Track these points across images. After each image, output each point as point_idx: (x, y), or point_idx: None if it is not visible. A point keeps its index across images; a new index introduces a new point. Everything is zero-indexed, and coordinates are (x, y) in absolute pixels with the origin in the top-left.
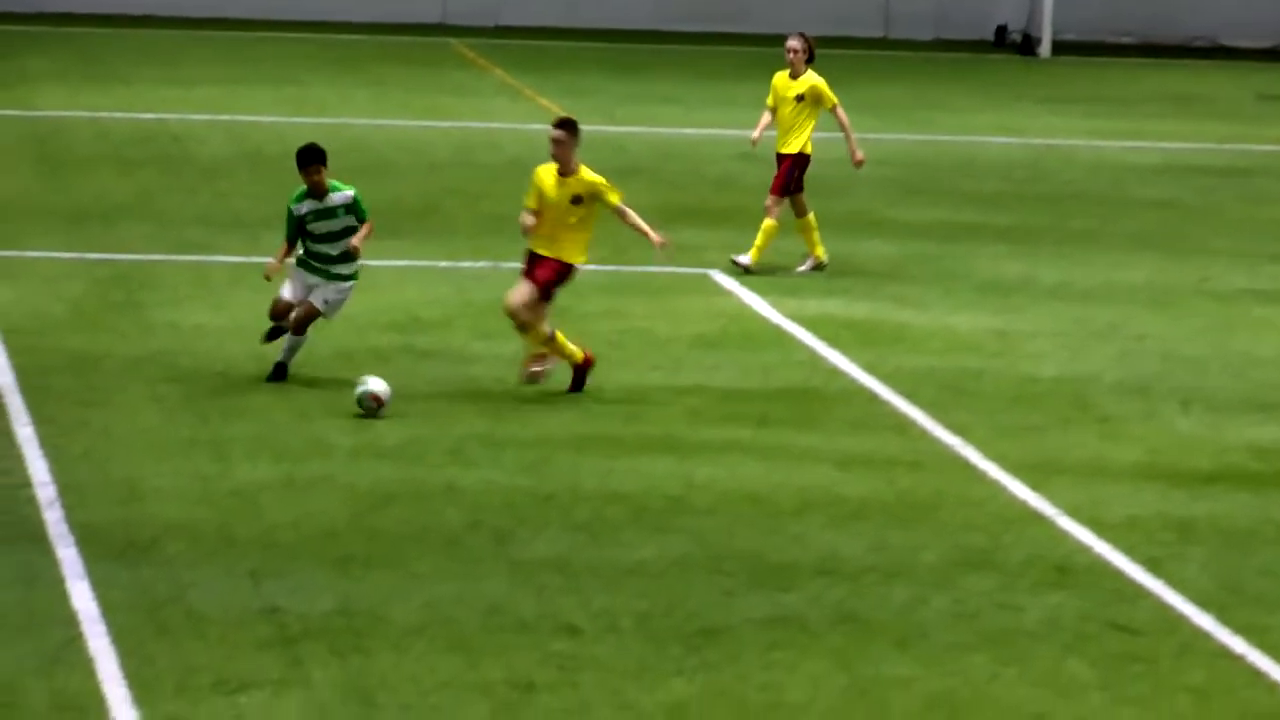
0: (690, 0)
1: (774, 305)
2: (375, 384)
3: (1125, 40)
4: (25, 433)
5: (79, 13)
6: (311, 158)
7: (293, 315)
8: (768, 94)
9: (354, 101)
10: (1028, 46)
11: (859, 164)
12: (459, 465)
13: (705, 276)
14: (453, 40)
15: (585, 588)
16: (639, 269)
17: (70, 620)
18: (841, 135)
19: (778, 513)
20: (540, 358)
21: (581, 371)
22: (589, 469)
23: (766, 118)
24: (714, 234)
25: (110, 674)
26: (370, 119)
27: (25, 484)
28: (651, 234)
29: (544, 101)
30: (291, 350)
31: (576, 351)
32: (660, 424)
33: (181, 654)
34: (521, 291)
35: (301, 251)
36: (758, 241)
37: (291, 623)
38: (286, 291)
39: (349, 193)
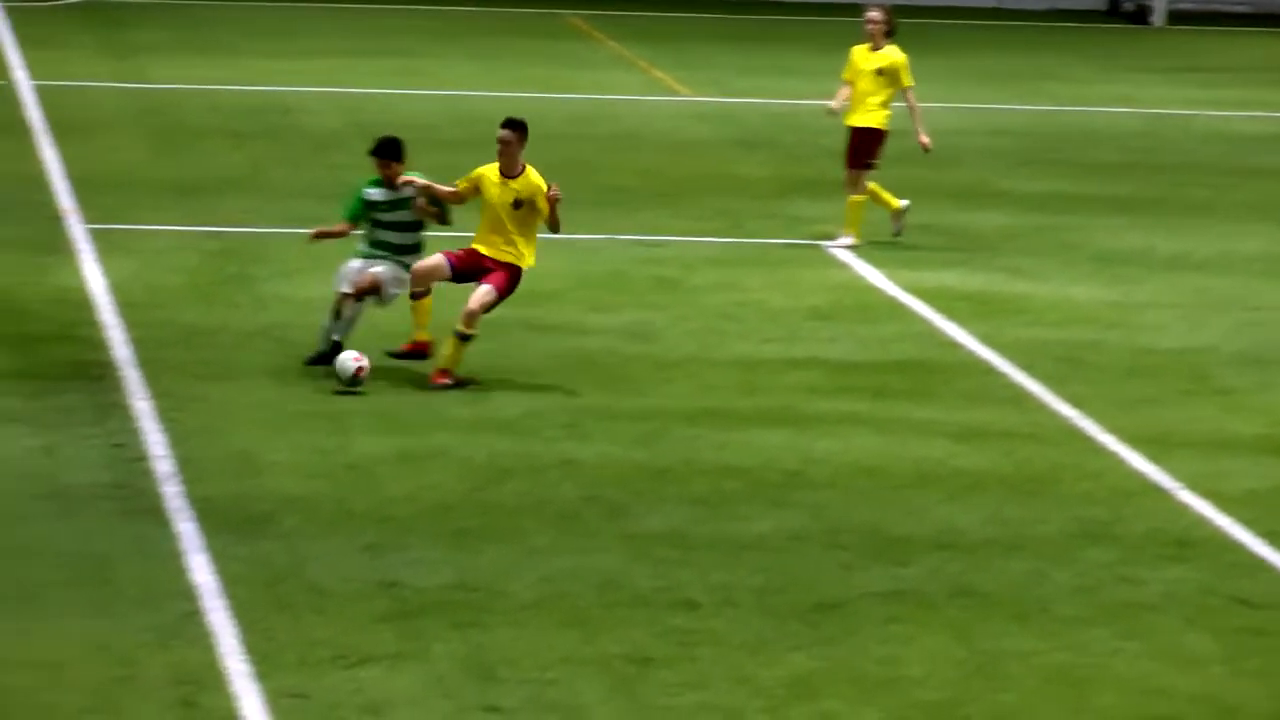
0: None
1: (890, 277)
2: (352, 360)
3: (1240, 9)
4: (142, 406)
5: None
6: (384, 152)
7: (353, 282)
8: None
9: (467, 74)
10: (1141, 16)
11: (926, 149)
12: (575, 439)
13: (820, 249)
14: (566, 12)
15: (702, 562)
16: (753, 241)
17: (189, 594)
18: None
19: (895, 486)
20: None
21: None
22: (705, 442)
23: (845, 91)
24: (830, 206)
25: (229, 648)
26: (483, 91)
27: (143, 458)
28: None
29: (658, 73)
30: (347, 324)
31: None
32: (776, 397)
33: (300, 628)
34: (478, 295)
35: (366, 244)
36: (849, 215)
37: (409, 596)
38: (345, 286)
39: (402, 180)
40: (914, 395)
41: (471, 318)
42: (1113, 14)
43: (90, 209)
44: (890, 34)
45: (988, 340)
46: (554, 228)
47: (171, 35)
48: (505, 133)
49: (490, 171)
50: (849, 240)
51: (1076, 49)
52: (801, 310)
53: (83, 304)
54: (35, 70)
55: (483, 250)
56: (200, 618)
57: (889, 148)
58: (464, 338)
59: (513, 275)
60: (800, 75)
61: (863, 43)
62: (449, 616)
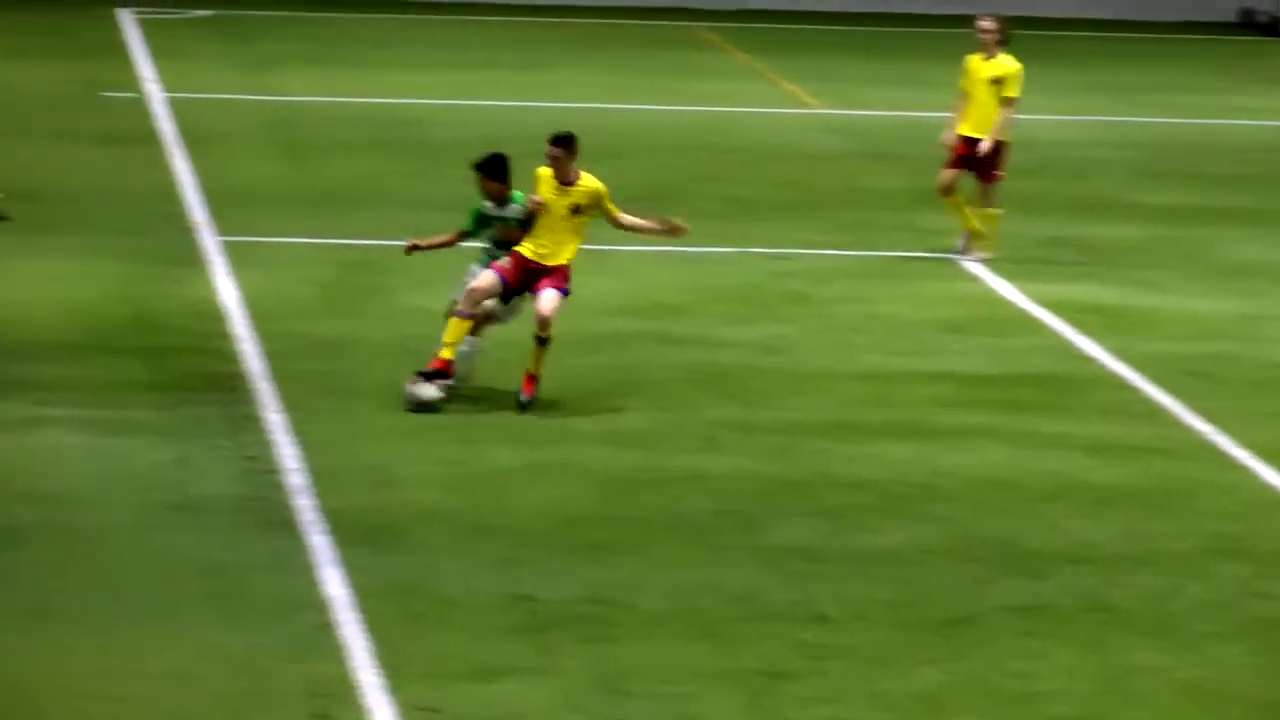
0: None
1: (1020, 289)
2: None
3: None
4: (275, 419)
5: None
6: (485, 170)
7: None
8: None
9: (596, 85)
10: (1274, 28)
11: (979, 153)
12: (707, 452)
13: (951, 261)
14: (695, 24)
15: (834, 575)
16: (884, 254)
17: (321, 607)
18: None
19: (1028, 499)
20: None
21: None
22: (837, 455)
23: (963, 106)
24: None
25: (362, 660)
26: (613, 103)
27: (275, 470)
28: (659, 225)
29: (787, 85)
30: (466, 360)
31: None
32: (908, 410)
33: (432, 641)
34: (551, 300)
35: (485, 255)
36: (986, 230)
37: (541, 609)
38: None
39: (518, 206)
40: (1046, 408)
41: (547, 323)
42: (1245, 26)
43: (222, 221)
44: (1004, 43)
45: (1119, 353)
46: (669, 229)
47: (302, 47)
48: (554, 150)
49: (547, 175)
50: (985, 253)
51: (1207, 61)
52: (932, 323)
53: (215, 316)
54: (167, 82)
55: (534, 257)
56: (332, 630)
57: (1018, 161)
58: (545, 341)
59: (567, 274)
60: (929, 86)
61: (977, 52)
62: (580, 630)
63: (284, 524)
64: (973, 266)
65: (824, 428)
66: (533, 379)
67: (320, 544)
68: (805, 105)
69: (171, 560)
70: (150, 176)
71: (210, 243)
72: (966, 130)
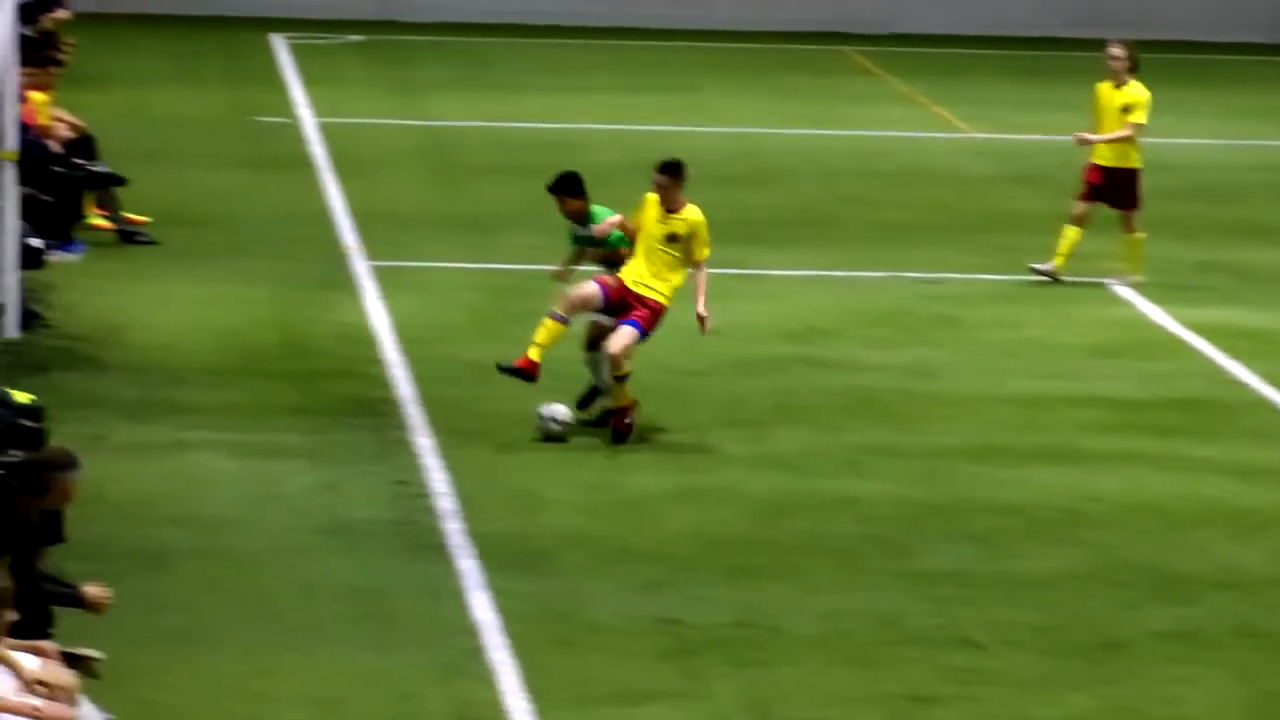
0: (1088, 4)
1: (1171, 314)
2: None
3: None
4: (424, 443)
5: (477, 22)
6: (560, 190)
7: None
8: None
9: (749, 110)
10: None
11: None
12: (855, 476)
13: (1101, 285)
14: (847, 48)
15: (983, 600)
16: (1033, 278)
17: (471, 631)
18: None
19: (1177, 524)
20: (626, 409)
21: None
22: (985, 480)
23: (1127, 131)
24: (1110, 242)
25: (510, 685)
26: (766, 127)
27: (424, 494)
28: (701, 306)
29: (939, 109)
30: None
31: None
32: (1057, 434)
33: (580, 665)
34: (621, 338)
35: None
36: (1129, 254)
37: (689, 634)
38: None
39: (595, 225)
40: (1196, 433)
41: (618, 362)
42: None
43: (373, 245)
44: (1133, 70)
45: (1269, 378)
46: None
47: (454, 72)
48: (661, 178)
49: (652, 203)
50: (1134, 278)
51: None
52: (1082, 347)
53: (365, 340)
54: (318, 107)
55: (630, 283)
56: (481, 654)
57: (1170, 185)
58: (621, 379)
59: (655, 315)
60: (1079, 110)
61: (1107, 80)
62: (728, 654)
63: (433, 548)
64: (1123, 291)
65: (972, 452)
66: (617, 412)
67: (469, 568)
68: (956, 129)
69: (320, 584)
70: (302, 201)
71: (361, 267)
72: (1098, 159)
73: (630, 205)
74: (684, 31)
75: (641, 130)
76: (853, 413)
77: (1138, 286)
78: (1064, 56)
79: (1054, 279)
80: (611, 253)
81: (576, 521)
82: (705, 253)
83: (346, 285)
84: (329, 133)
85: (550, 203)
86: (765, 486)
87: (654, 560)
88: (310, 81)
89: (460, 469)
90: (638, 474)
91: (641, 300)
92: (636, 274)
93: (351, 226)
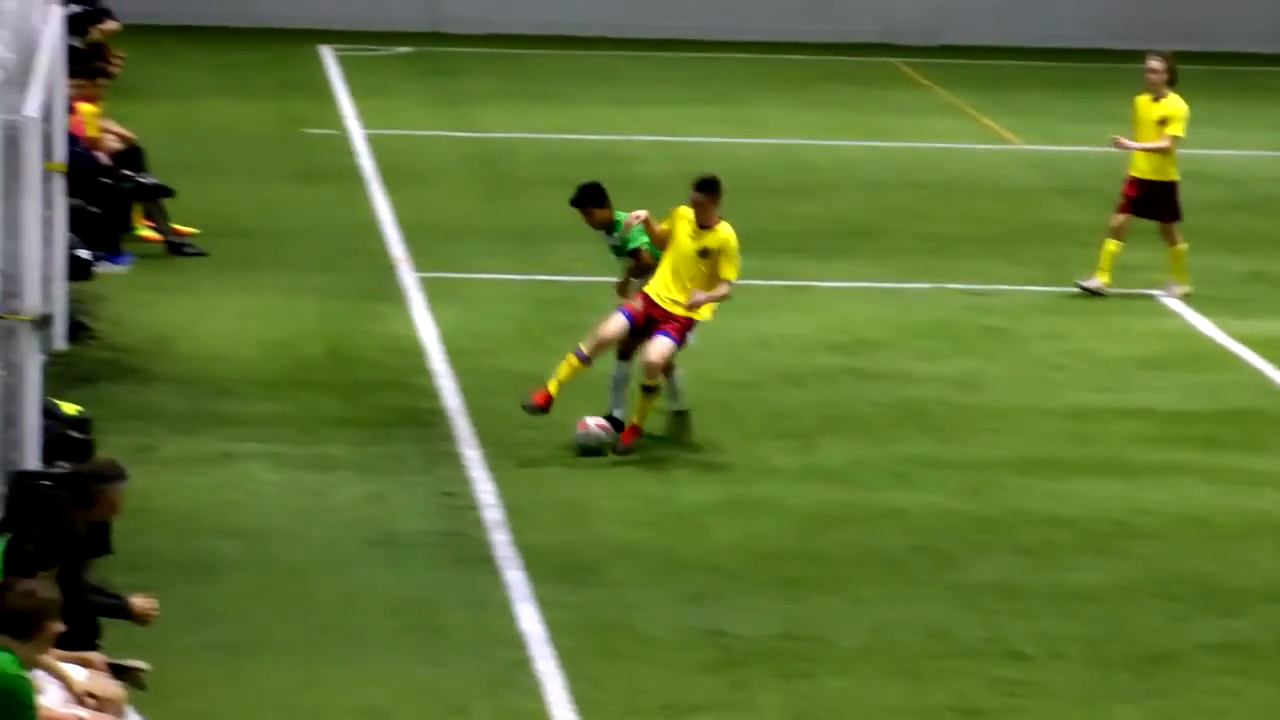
0: (1138, 16)
1: (1220, 326)
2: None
3: None
4: (472, 455)
5: (525, 34)
6: (584, 202)
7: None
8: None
9: (796, 121)
10: None
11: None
12: (902, 488)
13: (1150, 297)
14: (895, 59)
15: (1031, 612)
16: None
17: (518, 642)
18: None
19: (1226, 537)
20: (637, 430)
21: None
22: (1034, 492)
23: (1165, 143)
24: (1158, 254)
25: (557, 696)
26: (813, 139)
27: (472, 506)
28: (699, 298)
29: (987, 121)
30: (619, 385)
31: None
32: (1106, 447)
33: (628, 676)
34: (661, 347)
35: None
36: (1174, 266)
37: (736, 645)
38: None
39: (622, 232)
40: (1245, 445)
41: (654, 371)
42: None
43: (421, 257)
44: (1171, 83)
45: None
46: (691, 307)
47: (503, 83)
48: (698, 195)
49: (688, 214)
50: (1181, 289)
51: None
52: (1131, 359)
53: (413, 351)
54: (366, 119)
55: (658, 298)
56: (528, 666)
57: (1221, 197)
58: (650, 390)
59: (687, 324)
60: (1128, 122)
61: (1146, 93)
62: (776, 666)
63: (480, 559)
64: (1171, 302)
65: (1020, 464)
66: (635, 430)
67: (516, 580)
68: (1004, 141)
69: (367, 596)
70: (349, 213)
71: (408, 278)
72: (1136, 172)
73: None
74: (731, 43)
75: (689, 142)
76: (900, 424)
77: (1186, 298)
78: (1114, 68)
79: (1101, 294)
80: (642, 263)
81: (624, 533)
82: (733, 274)
83: (394, 296)
84: (377, 144)
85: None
86: (812, 498)
87: (701, 571)
88: (358, 93)
89: (507, 480)
90: (685, 485)
91: (669, 315)
92: (663, 288)
93: (399, 238)
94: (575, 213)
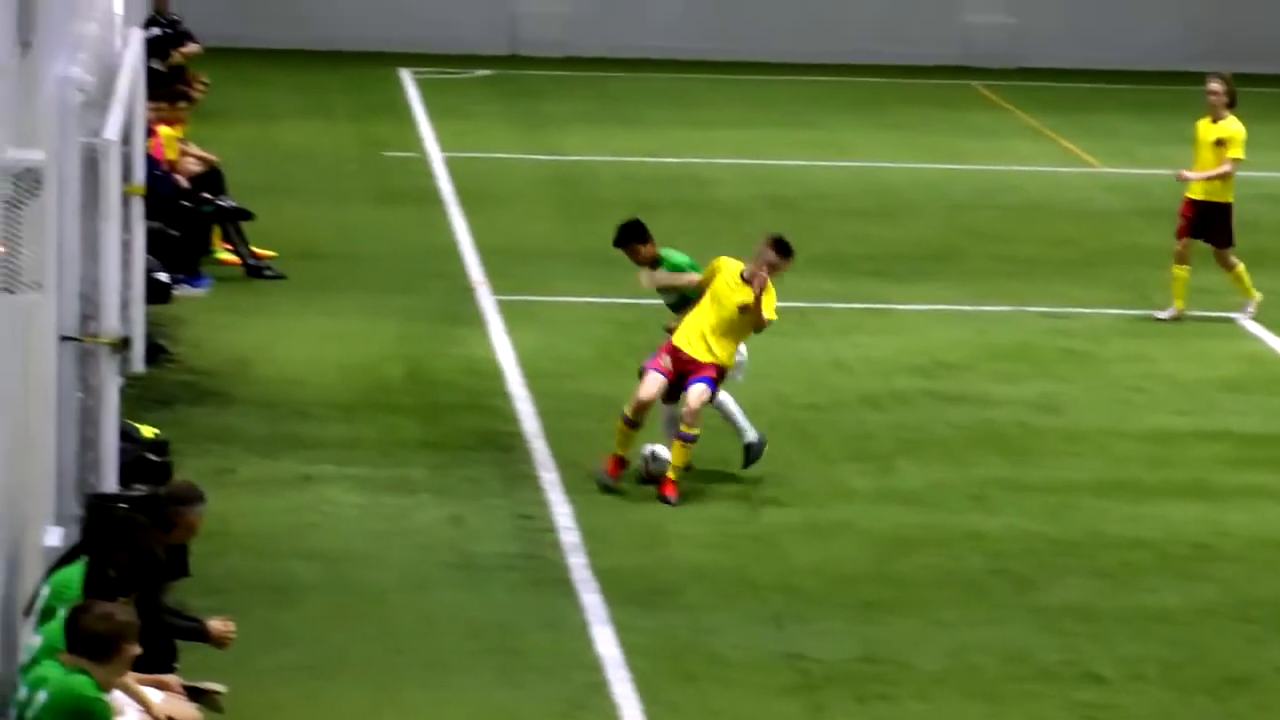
0: (1217, 38)
1: None
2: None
3: None
4: (549, 478)
5: (604, 57)
6: (627, 240)
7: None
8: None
9: (877, 144)
10: None
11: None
12: (981, 510)
13: (1231, 320)
14: (975, 82)
15: (1110, 635)
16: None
17: (594, 665)
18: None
19: None
20: (673, 483)
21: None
22: (1113, 514)
23: (1227, 168)
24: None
25: (634, 719)
26: (892, 161)
27: (550, 529)
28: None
29: (1066, 143)
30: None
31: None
32: (1186, 469)
33: (704, 700)
34: (699, 394)
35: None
36: (1237, 285)
37: (814, 669)
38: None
39: (667, 267)
40: None
41: (695, 417)
42: None
43: (500, 279)
44: (1231, 105)
45: None
46: (759, 328)
47: (582, 106)
48: (780, 259)
49: (731, 268)
50: (1253, 303)
51: None
52: (1212, 382)
53: (492, 374)
54: (445, 141)
55: (687, 349)
56: (605, 689)
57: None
58: (689, 439)
59: (720, 371)
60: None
61: (1205, 116)
62: (854, 689)
63: (557, 582)
64: (1252, 325)
65: (1101, 487)
66: (673, 483)
67: (592, 603)
68: (1084, 163)
69: (445, 619)
70: (428, 235)
71: (487, 301)
72: (1191, 194)
73: (758, 239)
74: (812, 65)
75: (769, 164)
76: (979, 447)
77: (1265, 321)
78: (1192, 91)
79: (1179, 319)
80: (682, 299)
81: (700, 555)
82: (774, 315)
83: (472, 319)
84: (455, 167)
85: (679, 236)
86: (891, 521)
87: (778, 594)
88: (437, 116)
89: (584, 503)
90: (763, 508)
91: (700, 364)
92: (696, 336)
93: (478, 261)
94: (654, 235)
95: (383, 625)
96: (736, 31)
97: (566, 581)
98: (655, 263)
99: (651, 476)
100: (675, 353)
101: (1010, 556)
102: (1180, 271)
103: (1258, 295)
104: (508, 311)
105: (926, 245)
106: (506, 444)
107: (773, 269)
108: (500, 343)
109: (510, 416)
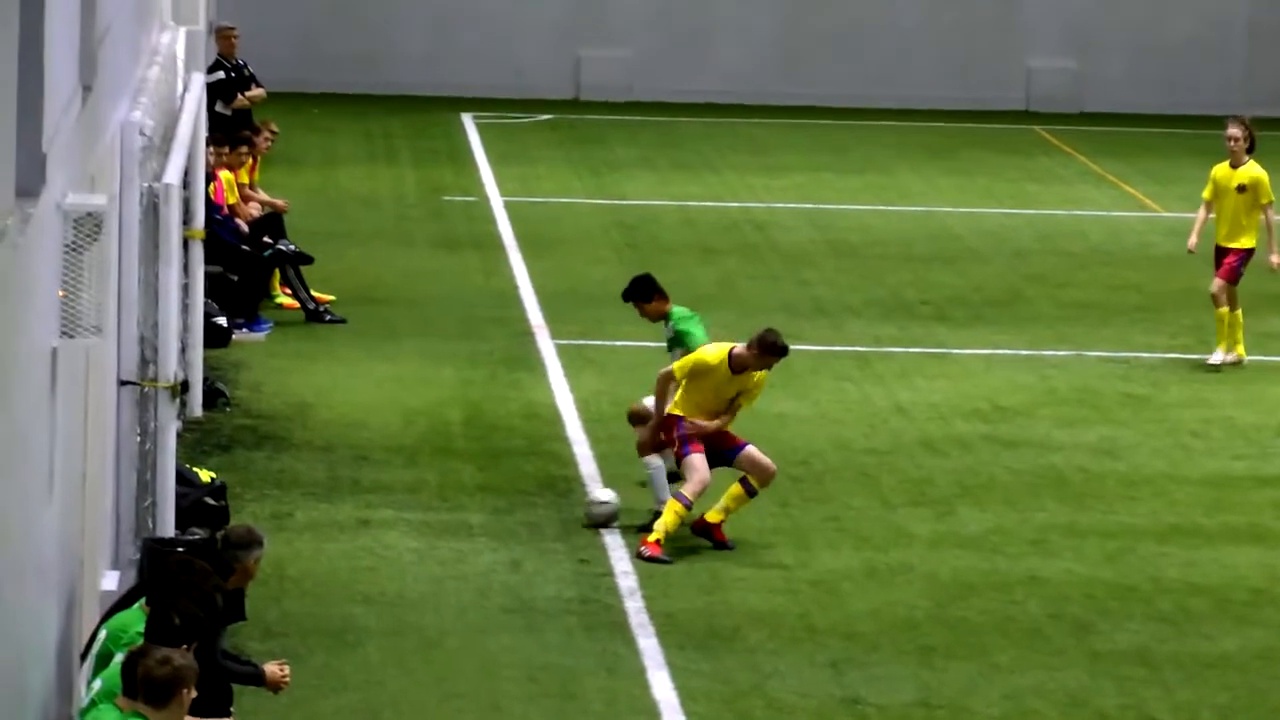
0: (1277, 83)
1: None
2: (606, 495)
3: None
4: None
5: (666, 101)
6: (626, 294)
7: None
8: (1267, 179)
9: (939, 189)
10: None
11: (1275, 268)
12: (1040, 555)
13: None
14: (1037, 127)
15: (1168, 681)
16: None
17: (651, 710)
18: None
19: None
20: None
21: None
22: (1171, 559)
23: (1203, 214)
24: None
25: None
26: (955, 206)
27: (607, 573)
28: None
29: (1128, 188)
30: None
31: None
32: (1245, 514)
33: None
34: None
35: None
36: (1227, 334)
37: (872, 714)
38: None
39: (674, 325)
40: None
41: (771, 478)
42: None
43: (559, 324)
44: (1251, 150)
45: None
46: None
47: (642, 151)
48: (773, 359)
49: (721, 364)
50: (1220, 353)
51: None
52: (1272, 427)
53: (551, 419)
54: (504, 186)
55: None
56: None
57: None
58: (755, 494)
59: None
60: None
61: (1224, 161)
62: None
63: (615, 626)
64: None
65: (1160, 532)
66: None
67: (649, 647)
68: (1146, 208)
69: (503, 663)
70: (488, 280)
71: (547, 346)
72: (1219, 240)
73: (824, 285)
74: (874, 110)
75: (831, 209)
76: (1039, 492)
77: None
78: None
79: (1239, 363)
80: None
81: (758, 600)
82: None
83: (532, 364)
84: (516, 211)
85: (742, 280)
86: (950, 565)
87: (837, 638)
88: (499, 160)
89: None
90: (821, 552)
91: (724, 434)
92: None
93: (537, 305)
94: (716, 279)
95: (440, 670)
96: (798, 76)
97: (624, 625)
98: (665, 317)
99: (596, 522)
100: (699, 428)
101: (1069, 601)
102: (1228, 316)
103: (1244, 354)
104: (567, 356)
105: (988, 290)
106: (564, 489)
107: (767, 367)
108: (559, 387)
109: (569, 461)
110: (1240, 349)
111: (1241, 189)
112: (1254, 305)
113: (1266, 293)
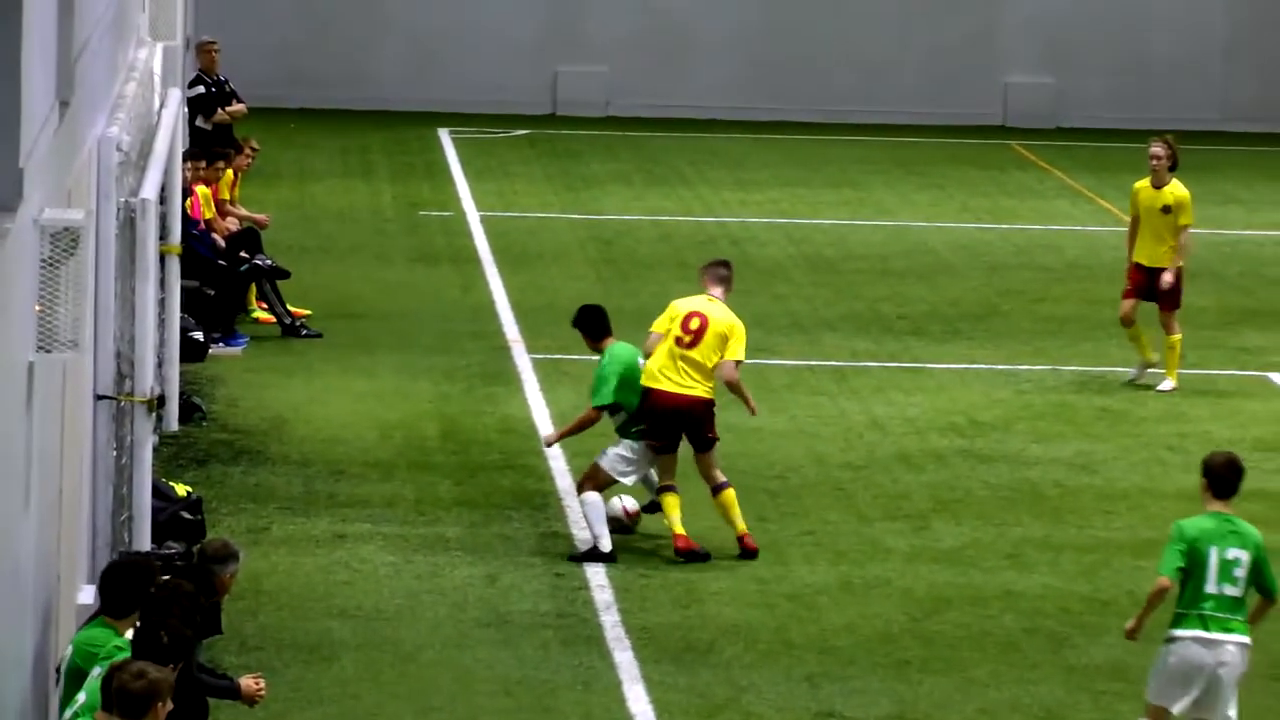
0: (1255, 98)
1: None
2: (627, 502)
3: None
4: (583, 536)
5: (643, 116)
6: (573, 321)
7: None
8: (1190, 199)
9: (915, 204)
10: None
11: (1164, 286)
12: (1016, 569)
13: (1265, 380)
14: (1014, 142)
15: (1143, 694)
16: (1198, 372)
17: None
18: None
19: None
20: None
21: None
22: (1147, 574)
23: (1133, 230)
24: (1275, 336)
25: None
26: (930, 221)
27: (583, 587)
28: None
29: (1105, 203)
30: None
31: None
32: None
33: None
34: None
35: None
36: (1170, 361)
37: None
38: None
39: (599, 362)
40: None
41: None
42: None
43: (535, 339)
44: (1174, 169)
45: None
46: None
47: (618, 166)
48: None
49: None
50: (1170, 384)
51: None
52: (1247, 441)
53: (527, 433)
54: (481, 201)
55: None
56: None
57: None
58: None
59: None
60: (1244, 205)
61: (1145, 179)
62: None
63: (591, 640)
64: None
65: (1135, 546)
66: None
67: (625, 660)
68: (1121, 223)
69: (479, 677)
70: (465, 295)
71: (523, 360)
72: (1142, 259)
73: (798, 300)
74: (849, 126)
75: (807, 224)
76: (1015, 506)
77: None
78: (1230, 151)
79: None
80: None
81: (734, 613)
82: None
83: (509, 378)
84: (493, 226)
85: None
86: (926, 580)
87: (813, 652)
88: (476, 175)
89: (617, 561)
90: (797, 566)
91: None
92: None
93: (513, 320)
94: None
95: (416, 684)
96: (774, 92)
97: (600, 639)
98: (600, 353)
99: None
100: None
101: (1045, 616)
102: (1131, 332)
103: (1175, 383)
104: (543, 370)
105: (963, 305)
106: (540, 502)
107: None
108: (536, 402)
109: (545, 475)
110: (1174, 374)
111: (1166, 210)
112: (1230, 321)
113: (1238, 307)
